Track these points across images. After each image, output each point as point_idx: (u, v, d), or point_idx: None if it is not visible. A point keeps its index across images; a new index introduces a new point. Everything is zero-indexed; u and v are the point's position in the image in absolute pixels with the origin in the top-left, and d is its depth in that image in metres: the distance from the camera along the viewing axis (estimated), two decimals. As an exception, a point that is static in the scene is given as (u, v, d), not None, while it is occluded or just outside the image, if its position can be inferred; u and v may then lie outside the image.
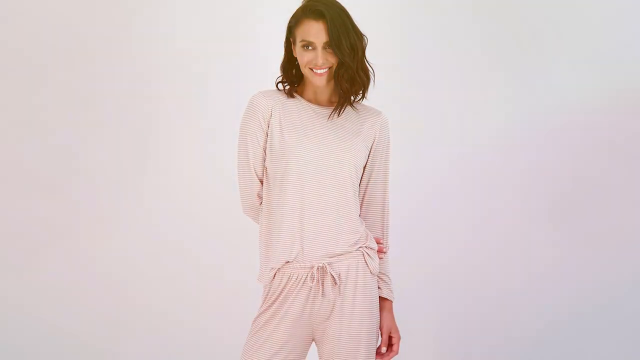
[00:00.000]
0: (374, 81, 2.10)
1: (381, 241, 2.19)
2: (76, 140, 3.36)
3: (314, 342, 2.15)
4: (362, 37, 2.07)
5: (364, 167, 2.17)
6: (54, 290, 3.34)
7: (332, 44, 2.00)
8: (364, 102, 2.17)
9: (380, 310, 2.15)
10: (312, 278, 2.05)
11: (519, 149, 3.48)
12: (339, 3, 2.06)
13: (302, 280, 2.06)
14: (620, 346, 3.42)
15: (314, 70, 2.04)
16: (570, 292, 3.44)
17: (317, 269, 2.05)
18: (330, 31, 2.00)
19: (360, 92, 2.11)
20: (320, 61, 2.03)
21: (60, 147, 3.35)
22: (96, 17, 3.36)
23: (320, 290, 2.06)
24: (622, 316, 3.42)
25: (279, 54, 2.16)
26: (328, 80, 2.07)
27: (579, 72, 3.46)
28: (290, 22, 2.08)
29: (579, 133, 3.47)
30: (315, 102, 2.14)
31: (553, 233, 3.46)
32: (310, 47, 2.03)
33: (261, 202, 2.16)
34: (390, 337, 2.16)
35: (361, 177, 2.17)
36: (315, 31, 2.01)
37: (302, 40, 2.04)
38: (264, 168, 2.13)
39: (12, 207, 3.32)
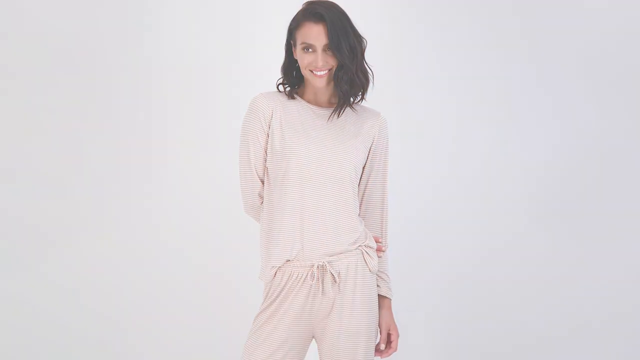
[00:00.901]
0: (373, 83, 2.13)
1: (380, 240, 2.22)
2: (77, 141, 3.36)
3: (314, 339, 2.18)
4: (361, 39, 2.10)
5: (363, 167, 2.20)
6: (56, 290, 3.34)
7: (332, 46, 2.03)
8: (363, 103, 2.20)
9: (379, 308, 2.18)
10: (312, 276, 2.07)
11: (520, 149, 3.48)
12: (338, 6, 2.09)
13: (303, 279, 2.09)
14: (620, 346, 3.43)
15: (314, 72, 2.07)
16: (570, 292, 3.43)
17: (317, 267, 2.08)
18: (330, 34, 2.03)
19: (360, 93, 2.14)
20: (320, 63, 2.05)
21: (61, 148, 3.35)
22: (98, 21, 3.36)
23: (320, 289, 2.08)
24: (622, 316, 3.43)
25: (280, 57, 2.19)
26: (328, 82, 2.10)
27: (578, 73, 3.45)
28: (290, 24, 2.11)
29: (577, 133, 3.48)
30: (315, 103, 2.17)
31: (553, 233, 3.44)
32: (310, 50, 2.06)
33: (262, 202, 2.19)
34: (389, 335, 2.19)
35: (360, 177, 2.20)
36: (316, 34, 2.04)
37: (303, 43, 2.07)
38: (265, 168, 2.16)
39: (15, 208, 3.33)
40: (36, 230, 3.34)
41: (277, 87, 2.20)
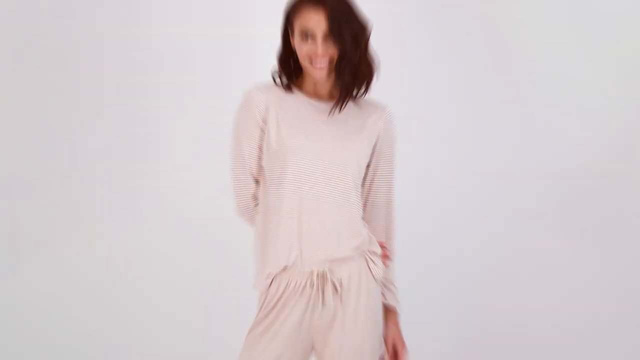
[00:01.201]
0: (378, 74, 1.98)
1: (385, 246, 2.08)
2: (77, 141, 3.37)
3: (313, 351, 2.04)
4: (365, 26, 1.93)
5: (368, 166, 2.05)
6: (55, 290, 3.34)
7: (333, 33, 1.87)
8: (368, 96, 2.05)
9: (384, 320, 2.05)
10: (312, 285, 1.94)
11: (520, 149, 3.48)
12: None
13: (301, 288, 1.95)
14: (620, 346, 3.42)
15: (313, 62, 1.92)
16: (570, 292, 3.44)
17: (317, 275, 1.94)
18: (330, 19, 1.86)
19: (364, 86, 1.97)
20: (320, 52, 1.90)
21: (60, 147, 3.36)
22: (90, 15, 3.36)
23: (321, 299, 1.94)
24: (622, 316, 3.42)
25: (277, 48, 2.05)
26: (329, 73, 1.94)
27: (580, 74, 3.46)
28: (287, 9, 1.95)
29: (579, 133, 3.48)
30: (315, 96, 2.01)
31: (553, 234, 3.45)
32: (309, 37, 1.90)
33: (257, 204, 2.05)
34: (395, 346, 2.06)
35: (364, 177, 2.06)
36: (315, 20, 1.88)
37: (301, 30, 1.90)
38: (260, 167, 2.01)
39: (11, 207, 3.32)
40: (34, 229, 3.34)
41: (273, 79, 2.03)
